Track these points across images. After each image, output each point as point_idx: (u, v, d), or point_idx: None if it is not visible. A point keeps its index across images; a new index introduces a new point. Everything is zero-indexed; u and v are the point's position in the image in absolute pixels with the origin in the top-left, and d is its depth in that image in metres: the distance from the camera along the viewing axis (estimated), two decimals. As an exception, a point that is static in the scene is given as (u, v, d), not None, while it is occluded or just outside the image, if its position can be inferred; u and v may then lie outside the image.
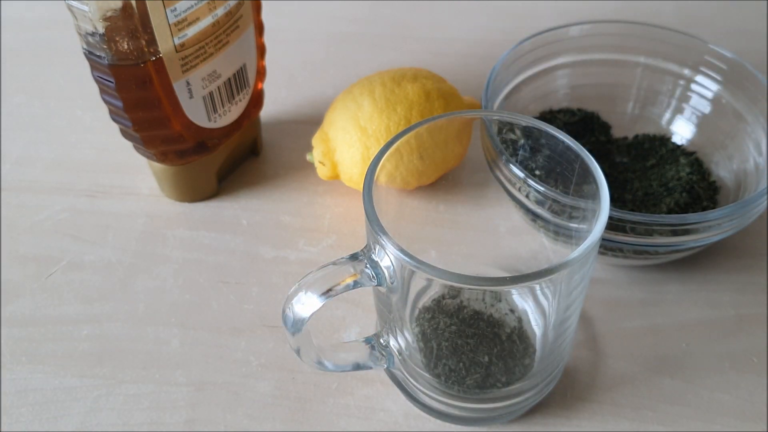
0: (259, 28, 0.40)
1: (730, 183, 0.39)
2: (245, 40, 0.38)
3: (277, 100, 0.48)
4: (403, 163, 0.36)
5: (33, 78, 0.51)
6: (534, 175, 0.32)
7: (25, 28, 0.56)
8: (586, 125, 0.43)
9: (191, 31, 0.34)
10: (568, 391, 0.33)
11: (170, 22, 0.33)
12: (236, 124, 0.40)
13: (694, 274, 0.38)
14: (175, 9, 0.33)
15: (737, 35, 0.54)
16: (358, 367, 0.31)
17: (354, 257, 0.27)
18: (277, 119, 0.47)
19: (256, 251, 0.39)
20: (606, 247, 0.35)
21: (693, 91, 0.42)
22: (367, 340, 0.31)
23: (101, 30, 0.32)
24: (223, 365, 0.34)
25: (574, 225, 0.31)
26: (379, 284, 0.27)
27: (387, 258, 0.26)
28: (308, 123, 0.46)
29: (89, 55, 0.34)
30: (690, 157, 0.41)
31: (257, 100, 0.42)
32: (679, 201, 0.38)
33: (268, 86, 0.44)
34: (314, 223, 0.41)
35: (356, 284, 0.27)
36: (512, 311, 0.33)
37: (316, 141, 0.40)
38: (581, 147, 0.28)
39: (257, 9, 0.39)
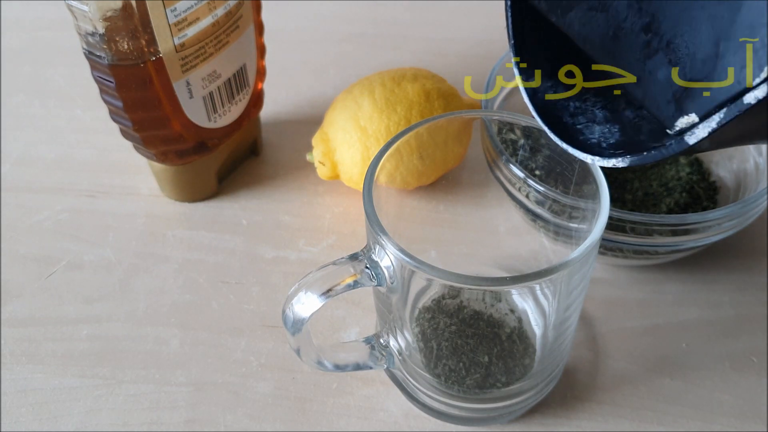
0: (259, 28, 0.40)
1: (730, 183, 0.39)
2: (245, 40, 0.38)
3: (277, 100, 0.48)
4: (403, 163, 0.36)
5: (33, 78, 0.51)
6: (534, 175, 0.32)
7: (25, 28, 0.56)
8: (586, 125, 0.43)
9: (191, 31, 0.34)
10: (568, 391, 0.33)
11: (170, 22, 0.33)
12: (236, 124, 0.40)
13: (694, 274, 0.38)
14: (175, 9, 0.33)
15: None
16: (358, 367, 0.31)
17: (354, 257, 0.27)
18: (277, 119, 0.47)
19: (256, 251, 0.39)
20: (606, 247, 0.35)
21: (693, 91, 0.42)
22: (367, 340, 0.31)
23: (101, 30, 0.32)
24: (223, 365, 0.34)
25: (574, 225, 0.31)
26: (379, 284, 0.27)
27: (387, 258, 0.26)
28: (308, 123, 0.46)
29: (89, 55, 0.34)
30: (690, 157, 0.41)
31: (257, 100, 0.42)
32: (679, 201, 0.38)
33: (268, 86, 0.44)
34: (314, 223, 0.41)
35: (356, 284, 0.27)
36: (512, 311, 0.33)
37: (316, 141, 0.40)
38: (581, 147, 0.28)
39: (257, 9, 0.39)
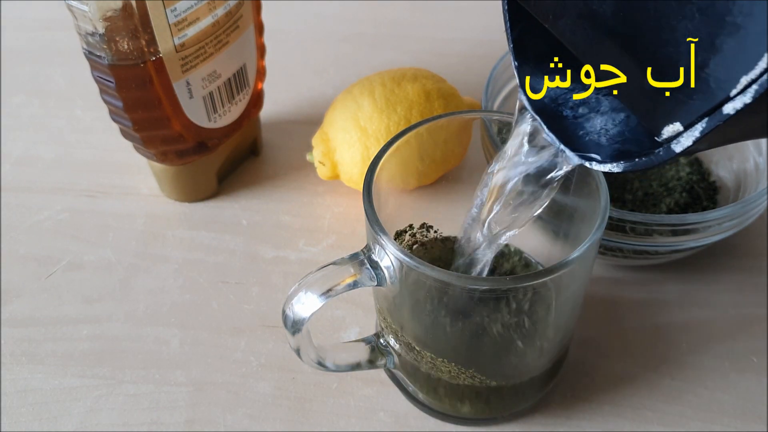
0: (259, 28, 0.40)
1: (730, 183, 0.39)
2: (245, 40, 0.38)
3: (277, 100, 0.48)
4: (403, 163, 0.36)
5: (33, 78, 0.51)
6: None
7: (25, 28, 0.56)
8: (586, 125, 0.43)
9: (191, 31, 0.34)
10: (568, 391, 0.33)
11: (170, 22, 0.33)
12: (236, 124, 0.40)
13: (694, 274, 0.38)
14: (175, 9, 0.33)
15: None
16: (358, 367, 0.31)
17: (354, 257, 0.27)
18: (277, 119, 0.47)
19: (256, 251, 0.39)
20: (606, 247, 0.35)
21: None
22: (367, 340, 0.31)
23: (101, 30, 0.32)
24: (223, 365, 0.34)
25: (574, 225, 0.31)
26: (379, 284, 0.27)
27: (387, 258, 0.26)
28: (308, 123, 0.46)
29: (89, 55, 0.34)
30: (690, 157, 0.41)
31: (257, 100, 0.42)
32: (679, 201, 0.38)
33: (268, 86, 0.44)
34: (314, 223, 0.41)
35: (356, 284, 0.27)
36: (512, 311, 0.33)
37: (316, 141, 0.40)
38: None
39: (257, 9, 0.39)
